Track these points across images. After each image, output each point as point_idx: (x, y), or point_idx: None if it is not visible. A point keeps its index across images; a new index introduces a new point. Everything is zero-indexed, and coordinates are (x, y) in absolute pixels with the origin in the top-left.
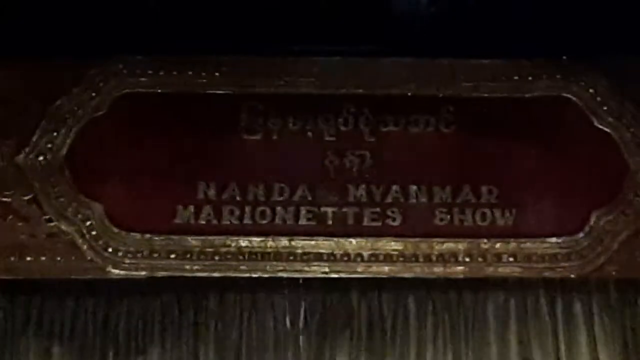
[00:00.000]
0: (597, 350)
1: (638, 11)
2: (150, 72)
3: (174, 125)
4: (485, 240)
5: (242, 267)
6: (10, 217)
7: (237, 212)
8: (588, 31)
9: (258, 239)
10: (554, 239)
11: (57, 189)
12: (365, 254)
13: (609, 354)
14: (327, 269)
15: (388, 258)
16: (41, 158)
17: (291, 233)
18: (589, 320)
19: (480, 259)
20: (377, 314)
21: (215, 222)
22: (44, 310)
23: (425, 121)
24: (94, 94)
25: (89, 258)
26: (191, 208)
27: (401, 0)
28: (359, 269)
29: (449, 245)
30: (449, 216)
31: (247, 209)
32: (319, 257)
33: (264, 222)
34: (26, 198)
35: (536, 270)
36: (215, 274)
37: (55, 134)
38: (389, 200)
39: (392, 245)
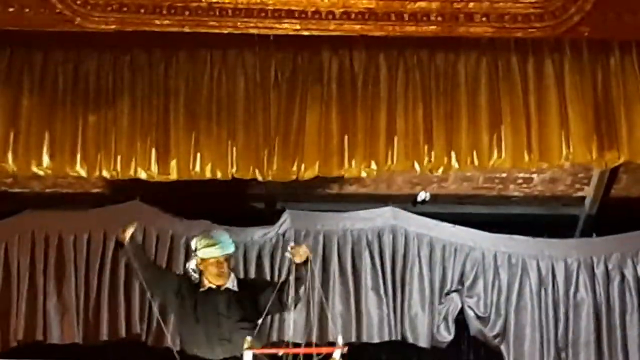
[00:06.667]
0: (568, 109)
1: None
2: None
3: None
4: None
5: (213, 23)
6: None
7: None
8: None
9: None
10: None
11: None
12: (337, 11)
13: (579, 112)
14: (298, 27)
15: (360, 16)
16: None
17: None
18: (560, 80)
19: (452, 18)
20: (348, 71)
21: None
22: (13, 61)
23: None
24: None
25: (57, 10)
26: None
27: None
28: (331, 27)
29: (421, 4)
30: None
31: None
32: (290, 14)
33: None
34: None
35: (508, 30)
36: (186, 29)
37: None
38: None
39: (364, 3)
